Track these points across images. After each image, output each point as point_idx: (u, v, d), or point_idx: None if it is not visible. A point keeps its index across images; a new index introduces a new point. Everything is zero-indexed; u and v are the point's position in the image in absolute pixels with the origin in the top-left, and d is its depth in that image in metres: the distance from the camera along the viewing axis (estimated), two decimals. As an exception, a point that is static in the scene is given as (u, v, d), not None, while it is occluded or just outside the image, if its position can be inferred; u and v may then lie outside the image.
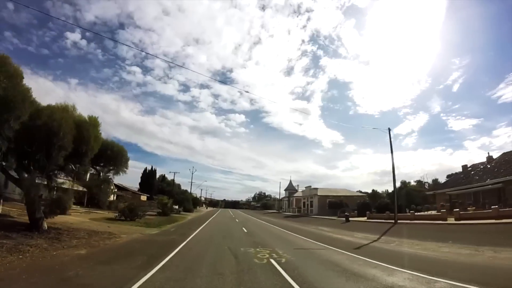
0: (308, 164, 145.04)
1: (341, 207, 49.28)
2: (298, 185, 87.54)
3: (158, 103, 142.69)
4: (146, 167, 60.59)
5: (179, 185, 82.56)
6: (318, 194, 55.69)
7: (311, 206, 56.72)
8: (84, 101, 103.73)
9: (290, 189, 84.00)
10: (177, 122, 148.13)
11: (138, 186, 57.65)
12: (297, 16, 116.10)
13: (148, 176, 57.94)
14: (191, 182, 69.72)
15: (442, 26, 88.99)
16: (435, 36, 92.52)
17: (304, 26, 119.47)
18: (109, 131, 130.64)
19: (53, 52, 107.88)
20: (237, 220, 34.36)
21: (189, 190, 64.47)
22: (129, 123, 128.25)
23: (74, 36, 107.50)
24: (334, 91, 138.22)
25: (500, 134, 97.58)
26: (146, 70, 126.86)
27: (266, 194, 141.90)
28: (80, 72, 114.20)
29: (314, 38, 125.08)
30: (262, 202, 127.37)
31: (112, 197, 48.31)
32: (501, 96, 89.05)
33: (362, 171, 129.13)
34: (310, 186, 59.57)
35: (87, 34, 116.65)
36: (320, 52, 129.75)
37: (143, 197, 50.60)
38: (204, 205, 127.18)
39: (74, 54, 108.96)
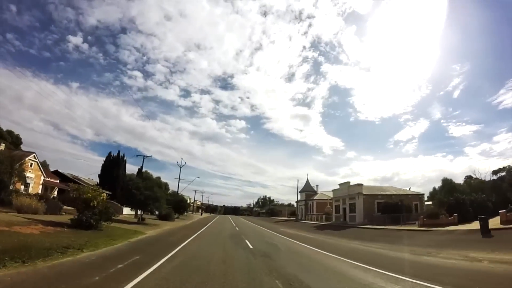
0: (308, 171, 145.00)
1: (399, 210, 31.17)
2: (317, 186, 69.09)
3: (159, 108, 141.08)
4: (110, 152, 42.37)
5: (166, 184, 64.21)
6: (364, 193, 37.22)
7: (352, 211, 38.12)
8: (85, 105, 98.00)
9: (308, 190, 65.36)
10: (178, 127, 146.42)
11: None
12: (299, 23, 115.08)
13: (110, 165, 39.61)
14: (179, 179, 51.30)
15: (442, 33, 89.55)
16: (436, 42, 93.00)
17: (305, 33, 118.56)
18: (109, 135, 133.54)
19: (55, 55, 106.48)
20: (248, 244, 14.83)
21: (190, 195, 46.28)
22: (129, 127, 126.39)
23: (76, 40, 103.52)
24: (335, 98, 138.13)
25: (501, 140, 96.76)
26: (147, 75, 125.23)
27: (271, 198, 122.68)
28: (81, 75, 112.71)
29: (315, 45, 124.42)
30: (267, 208, 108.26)
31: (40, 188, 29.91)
32: (501, 102, 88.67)
33: (363, 177, 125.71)
34: (349, 182, 41.04)
35: (89, 37, 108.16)
36: (321, 59, 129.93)
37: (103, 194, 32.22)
38: (200, 211, 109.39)
39: (76, 57, 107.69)
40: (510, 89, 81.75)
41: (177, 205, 41.91)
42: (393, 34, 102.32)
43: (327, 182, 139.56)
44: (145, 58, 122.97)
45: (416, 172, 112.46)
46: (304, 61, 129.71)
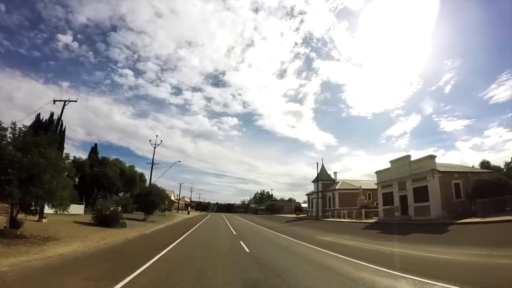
0: (300, 167, 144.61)
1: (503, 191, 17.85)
2: (335, 173, 55.05)
3: (150, 106, 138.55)
4: (39, 114, 26.76)
5: (140, 175, 49.08)
6: (440, 169, 23.21)
7: (420, 199, 24.03)
8: (76, 104, 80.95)
9: (324, 179, 50.96)
10: (170, 125, 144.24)
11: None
12: (290, 19, 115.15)
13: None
14: (152, 164, 36.24)
15: (434, 28, 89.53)
16: (427, 38, 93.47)
17: (297, 29, 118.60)
18: (101, 135, 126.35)
19: (45, 55, 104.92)
20: None
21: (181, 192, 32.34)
22: (121, 126, 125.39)
23: (65, 38, 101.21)
24: (327, 94, 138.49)
25: (492, 134, 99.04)
26: (138, 73, 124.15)
27: (270, 193, 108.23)
28: (72, 75, 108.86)
29: (307, 41, 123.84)
30: (267, 204, 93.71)
31: None
32: (492, 97, 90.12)
33: (355, 173, 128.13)
34: (409, 157, 26.83)
35: (79, 36, 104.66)
36: (313, 55, 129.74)
37: None
38: (188, 209, 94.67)
39: (66, 56, 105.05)
40: (501, 84, 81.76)
41: (146, 200, 26.96)
42: (385, 30, 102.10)
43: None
44: (135, 56, 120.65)
45: None
46: (296, 57, 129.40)
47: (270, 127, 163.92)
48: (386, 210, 28.68)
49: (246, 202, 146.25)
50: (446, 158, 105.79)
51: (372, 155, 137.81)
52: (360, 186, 39.14)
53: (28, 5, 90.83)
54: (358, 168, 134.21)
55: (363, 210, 31.67)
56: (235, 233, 19.40)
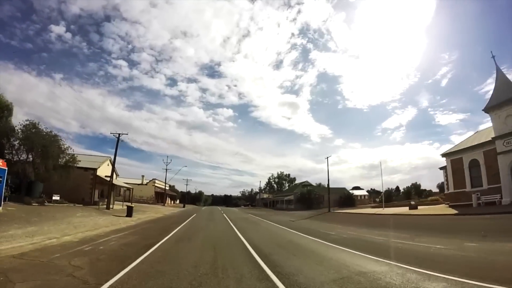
0: (296, 159, 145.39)
1: None
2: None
3: (145, 98, 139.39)
4: None
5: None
6: None
7: None
8: (70, 96, 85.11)
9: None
10: (164, 117, 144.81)
11: None
12: (287, 9, 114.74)
13: None
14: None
15: (431, 21, 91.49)
16: (425, 31, 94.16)
17: (294, 19, 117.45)
18: (95, 127, 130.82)
19: (37, 46, 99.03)
20: None
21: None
22: (115, 118, 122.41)
23: (58, 29, 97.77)
24: (323, 85, 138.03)
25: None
26: (132, 64, 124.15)
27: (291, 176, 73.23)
28: (65, 66, 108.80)
29: (303, 32, 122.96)
30: (298, 192, 57.16)
31: None
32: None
33: (350, 165, 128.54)
34: None
35: (72, 26, 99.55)
36: (309, 46, 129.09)
37: None
38: (172, 202, 60.36)
39: (59, 48, 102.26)
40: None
41: None
42: (382, 22, 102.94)
43: (315, 170, 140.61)
44: (130, 46, 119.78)
45: (403, 160, 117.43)
46: (293, 48, 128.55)
47: (265, 118, 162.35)
48: None
49: (247, 193, 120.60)
50: (441, 152, 79.58)
51: (368, 148, 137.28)
52: None
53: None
54: (353, 160, 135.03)
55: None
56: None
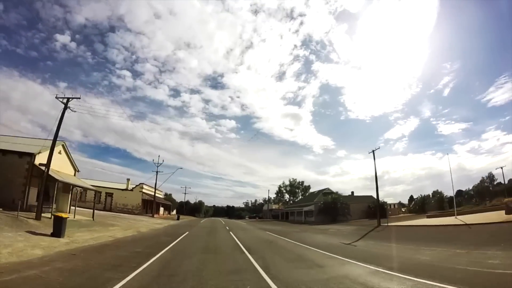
0: (298, 170, 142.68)
1: None
2: None
3: (148, 108, 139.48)
4: None
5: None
6: None
7: None
8: (73, 105, 54.73)
9: None
10: (167, 127, 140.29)
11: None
12: (290, 21, 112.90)
13: None
14: None
15: (433, 31, 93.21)
16: (426, 41, 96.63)
17: (297, 31, 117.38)
18: (98, 136, 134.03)
19: (42, 55, 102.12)
20: None
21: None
22: (118, 128, 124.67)
23: (63, 38, 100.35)
24: (325, 96, 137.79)
25: (489, 137, 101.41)
26: (136, 74, 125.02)
27: (302, 183, 63.19)
28: (69, 75, 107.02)
29: (306, 43, 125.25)
30: (321, 202, 46.73)
31: None
32: (490, 100, 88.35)
33: (353, 176, 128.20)
34: None
35: (77, 36, 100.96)
36: (312, 57, 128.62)
37: None
38: (166, 212, 50.93)
39: (63, 57, 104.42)
40: (499, 87, 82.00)
41: None
42: (384, 33, 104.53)
43: (318, 181, 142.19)
44: (134, 57, 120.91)
45: (405, 170, 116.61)
46: (295, 59, 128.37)
47: (268, 130, 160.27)
48: None
49: (251, 203, 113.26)
50: (444, 162, 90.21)
51: (370, 159, 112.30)
52: None
53: (26, 4, 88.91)
54: (356, 171, 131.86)
55: None
56: None
